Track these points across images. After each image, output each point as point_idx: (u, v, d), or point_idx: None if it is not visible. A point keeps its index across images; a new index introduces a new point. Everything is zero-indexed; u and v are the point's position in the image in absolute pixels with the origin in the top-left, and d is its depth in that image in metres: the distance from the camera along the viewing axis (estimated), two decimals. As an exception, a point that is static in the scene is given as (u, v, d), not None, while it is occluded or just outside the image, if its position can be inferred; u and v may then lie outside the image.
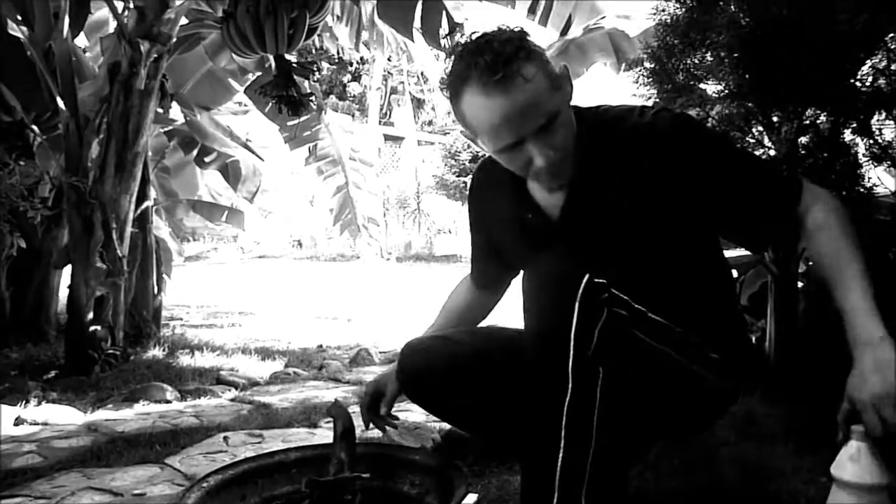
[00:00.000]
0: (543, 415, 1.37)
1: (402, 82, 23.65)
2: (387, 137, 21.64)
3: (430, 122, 25.52)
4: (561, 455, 1.46)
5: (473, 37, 1.44)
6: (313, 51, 6.09)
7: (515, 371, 1.56)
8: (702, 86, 2.76)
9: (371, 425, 1.89)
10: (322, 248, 19.45)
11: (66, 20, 4.34)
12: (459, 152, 17.37)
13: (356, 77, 24.19)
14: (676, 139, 1.42)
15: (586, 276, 1.32)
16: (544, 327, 1.39)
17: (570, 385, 1.33)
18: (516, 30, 1.42)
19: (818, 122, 2.61)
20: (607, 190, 1.46)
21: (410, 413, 3.23)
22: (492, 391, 1.53)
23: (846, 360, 1.27)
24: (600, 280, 1.33)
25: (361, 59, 21.05)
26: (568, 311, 1.34)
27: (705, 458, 2.18)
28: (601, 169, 1.46)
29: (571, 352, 1.36)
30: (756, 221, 1.47)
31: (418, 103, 24.98)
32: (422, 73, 22.57)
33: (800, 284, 3.30)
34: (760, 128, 2.64)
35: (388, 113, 24.69)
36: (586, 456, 1.40)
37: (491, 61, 1.34)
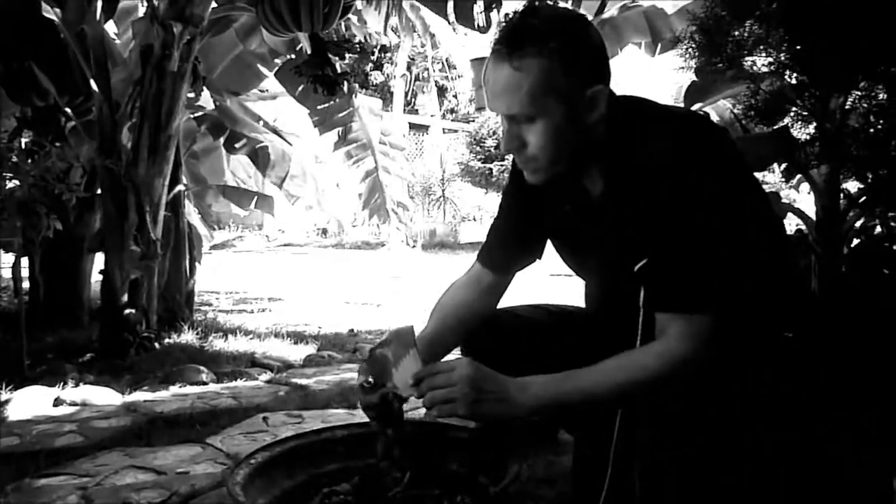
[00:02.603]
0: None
1: (427, 69, 23.55)
2: (411, 126, 21.56)
3: (452, 111, 25.43)
4: (616, 431, 1.43)
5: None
6: (343, 34, 6.04)
7: (577, 346, 1.52)
8: (750, 58, 2.68)
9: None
10: (347, 237, 19.46)
11: (99, 3, 4.34)
12: (485, 139, 17.27)
13: (378, 66, 24.13)
14: (657, 186, 1.30)
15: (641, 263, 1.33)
16: (606, 311, 1.43)
17: None
18: (570, 22, 1.36)
19: (872, 94, 2.53)
20: (622, 206, 1.39)
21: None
22: (553, 364, 1.49)
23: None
24: None
25: (383, 47, 20.98)
26: (624, 303, 1.36)
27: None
28: (621, 185, 1.39)
29: (639, 336, 1.36)
30: (653, 286, 1.35)
31: (441, 91, 24.88)
32: (446, 60, 22.51)
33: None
34: (813, 100, 2.56)
35: (413, 101, 24.63)
36: (642, 435, 1.37)
37: (508, 32, 1.34)
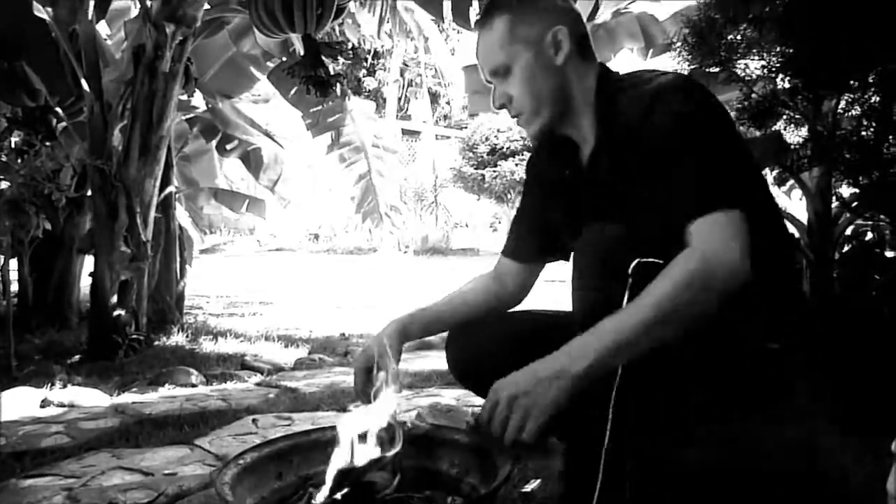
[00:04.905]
0: (590, 397, 1.30)
1: (420, 75, 23.57)
2: (404, 132, 21.54)
3: (445, 117, 25.44)
4: (607, 437, 1.41)
5: None
6: (336, 37, 6.05)
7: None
8: (743, 61, 2.68)
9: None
10: (339, 242, 19.43)
11: (91, 2, 4.31)
12: (477, 145, 17.27)
13: (371, 72, 24.14)
14: (655, 108, 1.34)
15: (636, 260, 1.28)
16: (592, 302, 1.37)
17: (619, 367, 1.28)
18: None
19: (865, 96, 2.53)
20: (617, 152, 1.43)
21: (440, 398, 3.19)
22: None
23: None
24: (651, 260, 1.27)
25: (376, 52, 20.99)
26: (611, 289, 1.30)
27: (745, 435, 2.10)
28: (614, 131, 1.44)
29: None
30: (671, 209, 1.32)
31: (434, 98, 24.90)
32: (438, 68, 22.53)
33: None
34: (805, 103, 2.56)
35: (406, 107, 24.63)
36: (632, 439, 1.35)
37: (483, 7, 1.57)
